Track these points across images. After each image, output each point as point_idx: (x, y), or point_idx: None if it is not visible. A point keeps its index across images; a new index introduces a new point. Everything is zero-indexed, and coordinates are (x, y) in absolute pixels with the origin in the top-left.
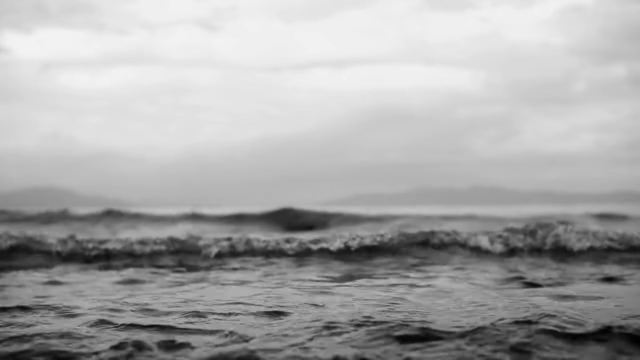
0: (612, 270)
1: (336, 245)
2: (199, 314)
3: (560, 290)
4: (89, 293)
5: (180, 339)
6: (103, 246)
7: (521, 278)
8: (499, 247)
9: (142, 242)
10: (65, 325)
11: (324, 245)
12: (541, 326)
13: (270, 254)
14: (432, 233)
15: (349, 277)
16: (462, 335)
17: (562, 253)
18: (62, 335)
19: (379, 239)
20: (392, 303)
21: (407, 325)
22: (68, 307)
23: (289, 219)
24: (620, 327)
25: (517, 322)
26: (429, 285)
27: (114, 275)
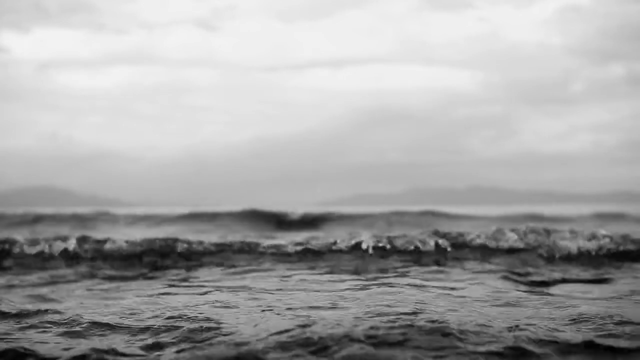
0: (606, 271)
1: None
2: (182, 315)
3: (538, 291)
4: (64, 295)
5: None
6: (87, 247)
7: (508, 278)
8: (494, 247)
9: (119, 243)
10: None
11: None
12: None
13: (255, 253)
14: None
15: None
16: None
17: (559, 254)
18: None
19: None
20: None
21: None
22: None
23: (280, 219)
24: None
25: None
26: (385, 285)
27: (90, 278)
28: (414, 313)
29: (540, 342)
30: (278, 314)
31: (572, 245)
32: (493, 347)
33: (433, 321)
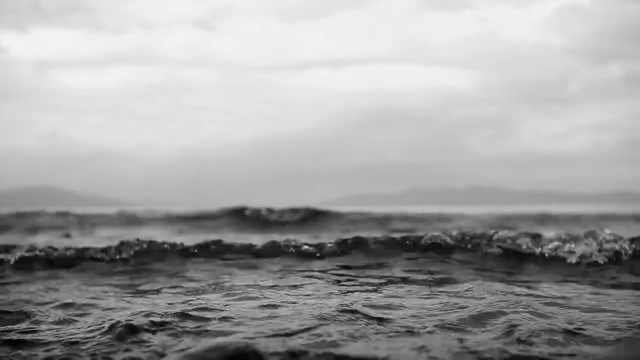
0: (598, 274)
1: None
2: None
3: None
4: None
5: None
6: (57, 252)
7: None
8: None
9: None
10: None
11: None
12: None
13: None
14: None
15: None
16: None
17: (550, 256)
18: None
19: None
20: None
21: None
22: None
23: (264, 219)
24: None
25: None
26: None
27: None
28: None
29: None
30: (273, 312)
31: (572, 251)
32: None
33: None
